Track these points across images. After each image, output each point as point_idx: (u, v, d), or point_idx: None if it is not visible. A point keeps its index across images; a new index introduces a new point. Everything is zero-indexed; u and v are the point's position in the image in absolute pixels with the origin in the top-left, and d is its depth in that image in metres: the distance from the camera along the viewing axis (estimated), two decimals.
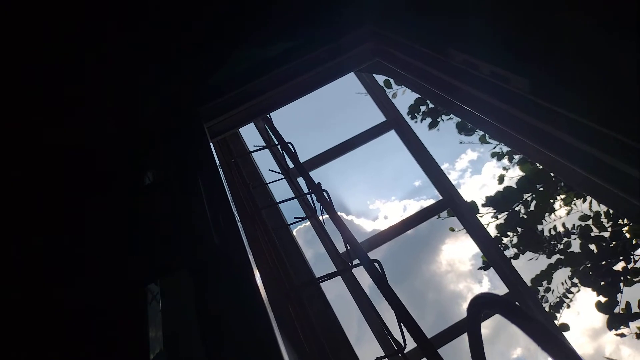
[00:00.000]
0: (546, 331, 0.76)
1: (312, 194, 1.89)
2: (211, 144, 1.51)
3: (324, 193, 1.75)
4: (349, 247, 1.69)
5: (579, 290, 4.70)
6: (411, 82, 1.70)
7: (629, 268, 4.04)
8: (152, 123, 1.48)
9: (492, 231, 4.56)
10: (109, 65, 1.58)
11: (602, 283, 4.16)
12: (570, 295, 4.77)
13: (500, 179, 4.94)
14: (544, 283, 4.86)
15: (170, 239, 1.09)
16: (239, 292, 0.98)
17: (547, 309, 4.74)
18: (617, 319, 4.09)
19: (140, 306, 1.04)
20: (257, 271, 1.08)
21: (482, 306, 1.04)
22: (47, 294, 1.10)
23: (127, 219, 1.17)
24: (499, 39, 1.14)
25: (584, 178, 1.18)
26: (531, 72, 1.06)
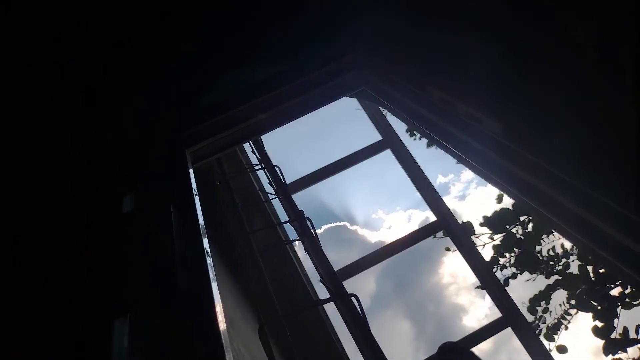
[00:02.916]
0: None
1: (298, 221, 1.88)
2: (191, 171, 1.50)
3: (307, 221, 1.74)
4: (325, 282, 1.68)
5: (576, 313, 4.65)
6: (396, 113, 1.70)
7: (626, 293, 3.98)
8: (132, 148, 1.48)
9: (490, 251, 4.50)
10: (92, 85, 1.59)
11: (599, 308, 4.09)
12: (568, 317, 4.72)
13: (499, 199, 4.88)
14: (542, 304, 4.81)
15: (135, 274, 1.08)
16: (199, 331, 0.97)
17: (545, 330, 4.69)
18: (613, 345, 4.03)
19: (105, 343, 1.03)
20: (225, 305, 1.06)
21: (450, 353, 1.04)
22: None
23: (96, 248, 1.16)
24: (475, 80, 1.13)
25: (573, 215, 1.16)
26: (504, 115, 1.05)
